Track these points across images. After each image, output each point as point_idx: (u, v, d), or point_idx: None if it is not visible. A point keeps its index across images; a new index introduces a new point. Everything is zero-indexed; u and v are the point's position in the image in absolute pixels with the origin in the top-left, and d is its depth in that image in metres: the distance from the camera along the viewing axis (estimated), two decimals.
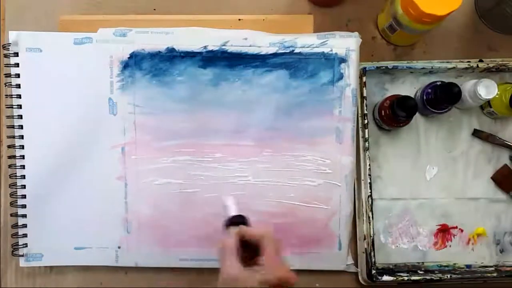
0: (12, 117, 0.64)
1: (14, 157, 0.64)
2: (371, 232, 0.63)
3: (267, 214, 0.64)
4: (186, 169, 0.64)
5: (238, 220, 0.53)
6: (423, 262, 0.67)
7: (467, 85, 0.61)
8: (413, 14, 0.57)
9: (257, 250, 0.49)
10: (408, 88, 0.67)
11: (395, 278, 0.63)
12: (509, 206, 0.67)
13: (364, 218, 0.64)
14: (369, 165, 0.63)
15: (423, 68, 0.65)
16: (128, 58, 0.63)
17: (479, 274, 0.64)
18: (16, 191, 0.64)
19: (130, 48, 0.63)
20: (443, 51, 0.68)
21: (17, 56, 0.63)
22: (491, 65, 0.65)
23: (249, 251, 0.50)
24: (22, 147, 0.64)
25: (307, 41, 0.63)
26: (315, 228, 0.64)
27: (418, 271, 0.65)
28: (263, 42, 0.63)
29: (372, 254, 0.63)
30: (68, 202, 0.64)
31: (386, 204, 0.67)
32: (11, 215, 0.65)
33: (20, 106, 0.63)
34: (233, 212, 0.54)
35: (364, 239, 0.64)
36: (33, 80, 0.63)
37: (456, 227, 0.67)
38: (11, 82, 0.63)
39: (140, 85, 0.63)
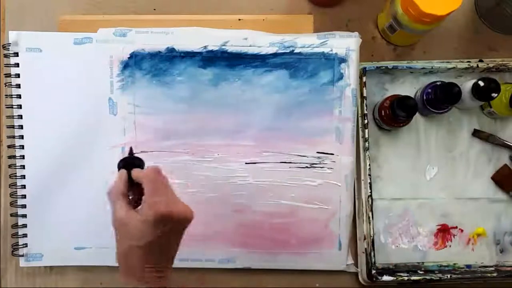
0: (12, 117, 0.64)
1: (14, 157, 0.64)
2: (371, 232, 0.63)
3: (267, 214, 0.64)
4: (186, 169, 0.64)
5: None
6: (423, 262, 0.66)
7: (467, 85, 0.61)
8: (413, 14, 0.57)
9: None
10: (408, 88, 0.67)
11: (395, 278, 0.63)
12: (509, 206, 0.67)
13: (364, 218, 0.64)
14: (369, 165, 0.63)
15: (423, 68, 0.65)
16: (128, 58, 0.63)
17: (479, 274, 0.64)
18: (16, 191, 0.64)
19: (130, 48, 0.63)
20: (443, 51, 0.68)
21: (17, 56, 0.63)
22: (491, 65, 0.65)
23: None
24: (22, 147, 0.64)
25: (307, 41, 0.63)
26: (315, 228, 0.64)
27: (418, 271, 0.65)
28: (263, 42, 0.63)
29: (372, 254, 0.63)
30: (68, 202, 0.64)
31: (386, 204, 0.67)
32: (11, 215, 0.65)
33: (20, 106, 0.63)
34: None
35: (364, 239, 0.64)
36: (33, 80, 0.63)
37: (456, 227, 0.67)
38: (11, 82, 0.63)
39: (140, 85, 0.64)
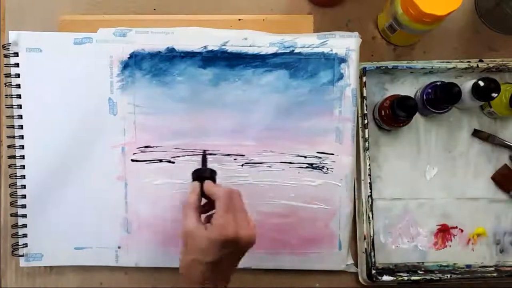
0: (12, 117, 0.64)
1: (14, 157, 0.64)
2: (371, 232, 0.63)
3: (267, 214, 0.64)
4: (186, 169, 0.64)
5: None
6: (423, 262, 0.67)
7: (467, 85, 0.61)
8: (413, 14, 0.57)
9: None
10: (408, 88, 0.67)
11: (395, 278, 0.63)
12: (509, 206, 0.67)
13: (364, 218, 0.64)
14: (369, 165, 0.63)
15: (423, 68, 0.65)
16: (128, 58, 0.63)
17: (479, 274, 0.64)
18: (16, 191, 0.64)
19: (130, 48, 0.63)
20: (443, 51, 0.68)
21: (17, 56, 0.63)
22: (491, 65, 0.65)
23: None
24: (22, 147, 0.64)
25: (307, 41, 0.63)
26: (315, 228, 0.64)
27: (418, 271, 0.65)
28: (263, 42, 0.63)
29: (372, 254, 0.63)
30: (68, 202, 0.64)
31: (386, 204, 0.67)
32: (11, 215, 0.65)
33: (20, 106, 0.63)
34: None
35: (364, 239, 0.64)
36: (33, 80, 0.63)
37: (456, 227, 0.67)
38: (11, 82, 0.63)
39: (140, 85, 0.64)
